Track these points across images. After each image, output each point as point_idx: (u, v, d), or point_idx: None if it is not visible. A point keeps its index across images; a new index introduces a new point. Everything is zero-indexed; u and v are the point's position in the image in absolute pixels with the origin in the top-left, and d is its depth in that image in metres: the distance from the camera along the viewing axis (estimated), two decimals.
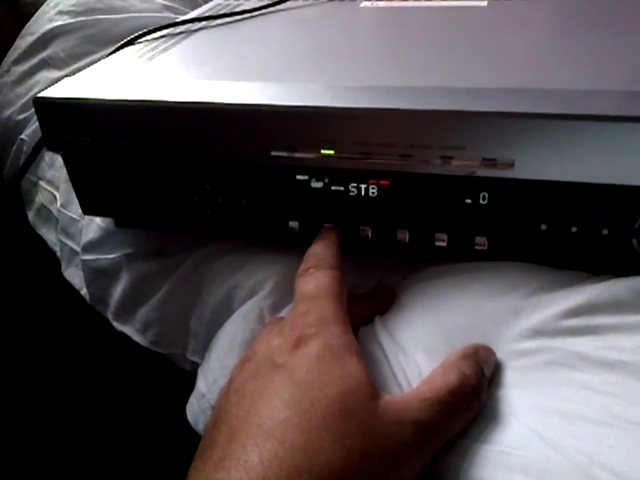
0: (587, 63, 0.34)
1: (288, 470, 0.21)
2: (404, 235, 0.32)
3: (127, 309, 0.39)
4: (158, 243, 0.40)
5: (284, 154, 0.31)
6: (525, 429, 0.24)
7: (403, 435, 0.23)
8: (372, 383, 0.24)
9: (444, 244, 0.32)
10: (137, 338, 0.39)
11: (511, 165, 0.29)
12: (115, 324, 0.41)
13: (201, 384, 0.33)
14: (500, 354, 0.28)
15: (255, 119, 0.31)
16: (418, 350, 0.29)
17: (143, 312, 0.38)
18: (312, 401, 0.23)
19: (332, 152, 0.31)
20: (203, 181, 0.34)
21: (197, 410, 0.33)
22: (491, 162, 0.29)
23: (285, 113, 0.30)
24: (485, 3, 0.47)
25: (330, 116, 0.30)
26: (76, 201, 0.38)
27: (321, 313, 0.27)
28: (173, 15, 0.61)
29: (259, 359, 0.26)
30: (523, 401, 0.25)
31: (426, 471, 0.24)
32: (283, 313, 0.33)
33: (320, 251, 0.31)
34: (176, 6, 0.63)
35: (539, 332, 0.27)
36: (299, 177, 0.33)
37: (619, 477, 0.21)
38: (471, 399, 0.25)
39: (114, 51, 0.42)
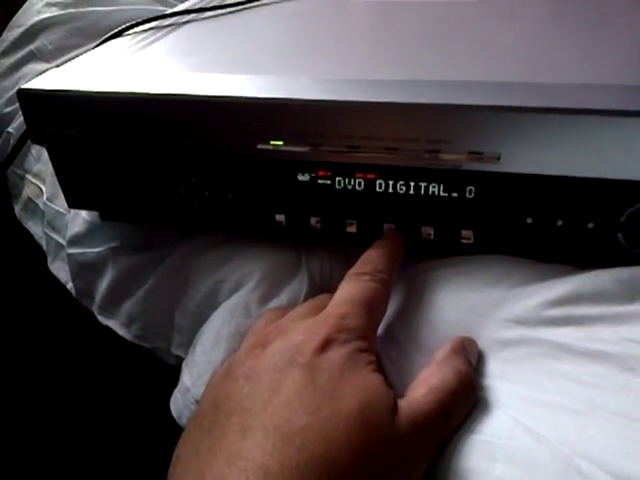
0: (577, 57, 0.34)
1: None
2: (390, 229, 0.32)
3: (112, 303, 0.39)
4: (144, 237, 0.39)
5: (270, 147, 0.31)
6: (509, 419, 0.24)
7: (416, 444, 0.23)
8: (391, 394, 0.24)
9: (430, 238, 0.32)
10: (122, 332, 0.38)
11: (497, 159, 0.28)
12: (100, 318, 0.40)
13: (186, 378, 0.33)
14: (484, 345, 0.28)
15: (241, 111, 0.31)
16: (413, 346, 0.29)
17: (128, 306, 0.38)
18: (333, 411, 0.22)
19: (318, 145, 0.30)
20: (189, 174, 0.34)
21: (181, 405, 0.32)
22: (477, 156, 0.29)
23: (271, 106, 0.30)
24: None
25: (316, 109, 0.30)
26: (62, 194, 0.38)
27: (357, 323, 0.26)
28: (163, 8, 0.61)
29: (277, 351, 0.25)
30: (507, 391, 0.26)
31: None
32: (270, 306, 0.33)
33: (380, 261, 0.30)
34: None
35: (521, 322, 0.27)
36: (285, 170, 0.32)
37: (599, 466, 0.21)
38: (469, 396, 0.26)
39: (101, 43, 0.41)
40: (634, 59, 0.33)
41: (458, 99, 0.28)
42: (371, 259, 0.30)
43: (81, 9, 0.59)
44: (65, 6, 0.60)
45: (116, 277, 0.39)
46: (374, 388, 0.24)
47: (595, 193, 0.29)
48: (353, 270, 0.30)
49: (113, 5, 0.59)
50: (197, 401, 0.32)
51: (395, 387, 0.27)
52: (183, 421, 0.32)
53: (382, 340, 0.30)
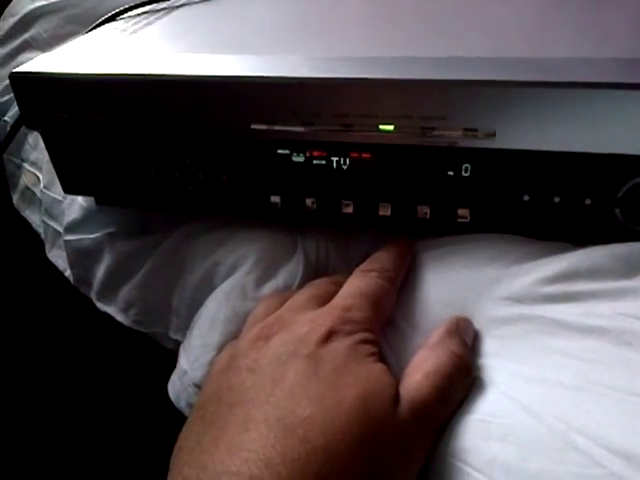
0: (574, 32, 0.33)
1: (309, 475, 0.20)
2: (386, 208, 0.32)
3: (110, 289, 0.39)
4: (141, 221, 0.39)
5: (264, 127, 0.31)
6: (504, 397, 0.24)
7: (416, 431, 0.23)
8: (394, 384, 0.24)
9: (427, 217, 0.32)
10: (120, 318, 0.38)
11: (493, 135, 0.28)
12: (98, 305, 0.40)
13: (183, 362, 0.33)
14: (480, 323, 0.28)
15: (234, 91, 0.30)
16: (409, 325, 0.29)
17: (125, 291, 0.38)
18: (336, 400, 0.22)
19: (313, 125, 0.30)
20: (183, 156, 0.33)
21: (179, 388, 0.32)
22: (472, 132, 0.28)
23: (264, 85, 0.30)
24: None
25: (309, 87, 0.29)
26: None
27: (362, 315, 0.26)
28: None
29: (280, 343, 0.25)
30: (503, 369, 0.25)
31: None
32: (266, 289, 0.33)
33: (388, 261, 0.31)
34: None
35: (519, 300, 0.27)
36: (280, 151, 0.32)
37: (595, 441, 0.21)
38: (465, 378, 0.25)
39: (94, 27, 0.41)
40: (631, 33, 0.32)
41: (452, 74, 0.28)
42: (379, 258, 0.31)
43: None
44: None
45: (113, 263, 0.38)
46: (377, 378, 0.24)
47: (592, 168, 0.28)
48: (361, 267, 0.30)
49: None
50: (195, 384, 0.32)
51: (392, 368, 0.27)
52: (181, 404, 0.32)
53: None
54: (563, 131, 0.27)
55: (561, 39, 0.32)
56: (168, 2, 0.45)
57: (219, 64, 0.31)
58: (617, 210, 0.29)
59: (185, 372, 0.32)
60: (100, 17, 0.56)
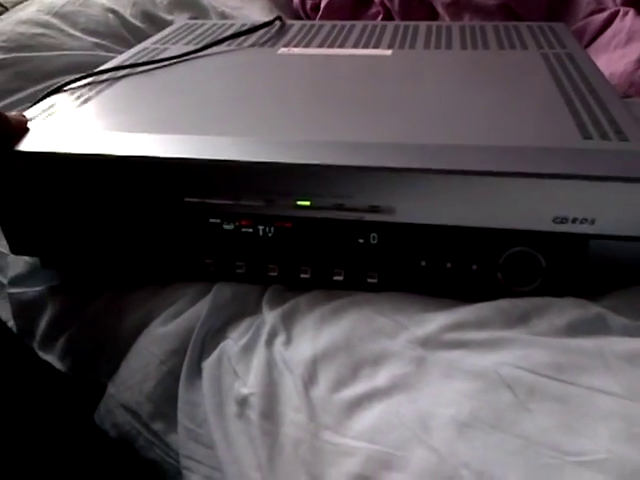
0: (471, 118, 0.38)
1: None
2: (307, 272, 0.36)
3: (51, 338, 0.42)
4: (81, 275, 0.42)
5: (197, 200, 0.35)
6: (406, 430, 0.28)
7: None
8: None
9: (341, 278, 0.36)
10: (58, 365, 0.41)
11: (393, 211, 0.33)
12: (40, 353, 0.43)
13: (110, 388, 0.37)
14: (389, 361, 0.31)
15: (170, 169, 0.35)
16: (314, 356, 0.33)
17: (63, 341, 0.41)
18: None
19: (240, 199, 0.34)
20: (124, 225, 0.37)
21: (103, 411, 0.36)
22: (376, 208, 0.33)
23: (197, 165, 0.34)
24: (390, 52, 0.52)
25: (236, 168, 0.34)
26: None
27: None
28: (104, 53, 0.64)
29: None
30: (406, 405, 0.29)
31: None
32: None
33: None
34: (107, 44, 0.65)
35: (422, 344, 0.32)
36: (212, 220, 0.36)
37: (478, 475, 0.25)
38: None
39: (42, 98, 0.44)
40: (502, 122, 0.37)
41: (356, 161, 0.33)
42: None
43: (24, 54, 0.61)
44: (9, 50, 0.62)
45: (54, 314, 0.41)
46: None
47: (477, 239, 0.34)
48: None
49: (55, 50, 0.62)
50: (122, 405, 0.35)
51: None
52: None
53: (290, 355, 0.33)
54: (450, 209, 0.33)
55: (462, 126, 0.36)
56: (110, 73, 0.48)
57: (156, 144, 0.35)
58: (499, 274, 0.34)
59: (112, 396, 0.36)
60: (46, 74, 0.59)
